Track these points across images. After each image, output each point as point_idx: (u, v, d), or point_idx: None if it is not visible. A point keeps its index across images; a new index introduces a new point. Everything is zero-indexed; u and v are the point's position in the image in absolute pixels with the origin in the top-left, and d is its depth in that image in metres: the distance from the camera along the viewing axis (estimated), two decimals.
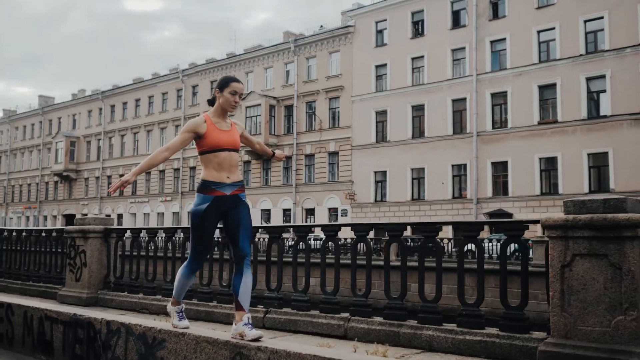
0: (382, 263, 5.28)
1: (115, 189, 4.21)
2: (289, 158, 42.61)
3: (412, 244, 24.76)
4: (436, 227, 5.01)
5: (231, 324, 4.32)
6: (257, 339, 3.97)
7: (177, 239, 7.48)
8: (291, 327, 5.46)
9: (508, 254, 4.71)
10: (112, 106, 57.78)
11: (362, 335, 4.93)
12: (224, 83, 4.41)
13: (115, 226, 8.06)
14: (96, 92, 59.60)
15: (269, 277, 6.01)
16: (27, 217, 66.68)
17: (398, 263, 5.17)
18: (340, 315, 5.28)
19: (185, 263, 4.53)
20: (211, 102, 4.48)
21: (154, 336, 4.33)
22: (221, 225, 4.45)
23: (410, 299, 5.10)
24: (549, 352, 3.89)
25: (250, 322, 4.14)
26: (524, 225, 4.50)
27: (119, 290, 7.51)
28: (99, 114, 58.94)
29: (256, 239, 6.42)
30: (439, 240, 5.15)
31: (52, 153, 62.10)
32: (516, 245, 4.63)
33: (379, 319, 5.02)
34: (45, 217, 64.52)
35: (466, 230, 4.89)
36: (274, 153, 5.19)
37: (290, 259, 6.17)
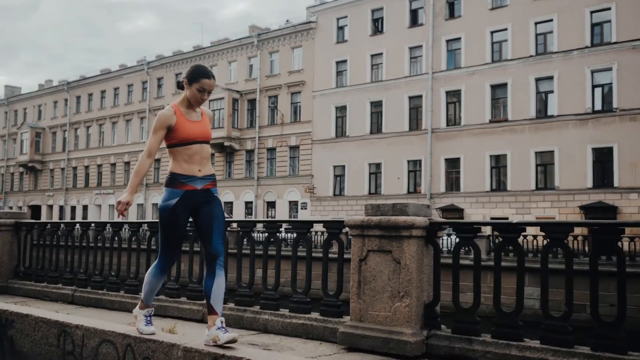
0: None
1: (120, 213, 4.12)
2: (250, 152, 43.19)
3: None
4: (277, 224, 5.66)
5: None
6: (231, 341, 3.88)
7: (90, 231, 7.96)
8: (162, 312, 6.08)
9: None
10: (78, 97, 57.69)
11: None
12: (194, 77, 4.14)
13: (26, 220, 8.59)
14: (62, 82, 59.43)
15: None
16: None
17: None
18: (202, 302, 5.91)
19: (154, 263, 4.33)
20: (179, 86, 4.25)
21: (7, 317, 4.91)
22: (191, 220, 4.25)
23: (282, 290, 5.67)
24: (346, 332, 4.56)
25: (224, 325, 3.97)
26: (341, 224, 5.14)
27: (26, 280, 8.07)
28: (64, 105, 58.80)
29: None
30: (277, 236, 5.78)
31: (18, 144, 61.83)
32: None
33: (231, 304, 5.66)
34: (11, 208, 64.15)
35: (298, 228, 5.54)
36: None
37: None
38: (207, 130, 4.25)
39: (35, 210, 61.24)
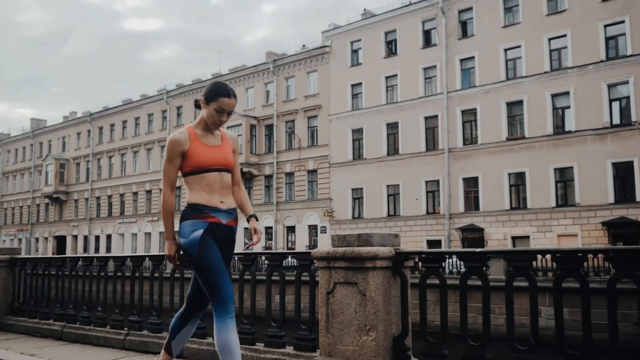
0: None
1: (176, 266, 3.75)
2: (269, 177, 43.29)
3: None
4: (252, 256, 5.58)
5: None
6: None
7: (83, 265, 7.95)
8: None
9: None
10: (100, 128, 58.58)
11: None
12: (211, 95, 3.63)
13: (21, 255, 8.63)
14: (86, 114, 60.45)
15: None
16: (20, 240, 67.30)
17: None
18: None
19: (212, 311, 3.64)
20: (197, 105, 3.76)
21: None
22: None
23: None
24: None
25: None
26: (309, 255, 5.03)
27: (20, 316, 8.07)
28: (87, 136, 59.73)
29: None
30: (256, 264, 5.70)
31: (43, 175, 62.83)
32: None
33: (209, 339, 5.58)
34: (37, 239, 65.18)
35: (272, 260, 5.45)
36: (252, 217, 3.90)
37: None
38: (227, 157, 3.72)
39: (61, 240, 62.09)
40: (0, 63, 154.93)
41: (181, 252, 3.67)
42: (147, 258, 6.59)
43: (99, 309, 6.94)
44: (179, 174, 3.70)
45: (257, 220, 3.94)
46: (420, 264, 4.40)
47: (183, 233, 3.58)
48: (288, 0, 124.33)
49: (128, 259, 6.81)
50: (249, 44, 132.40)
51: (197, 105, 3.76)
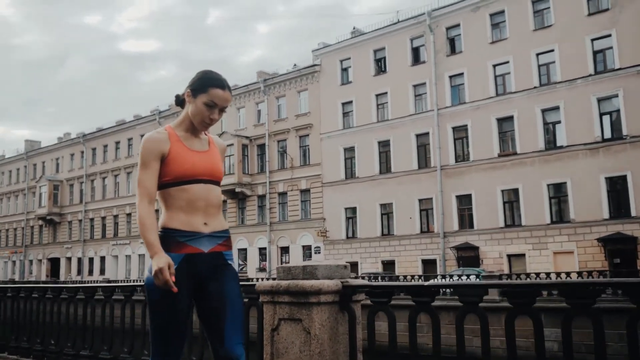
0: None
1: (170, 284, 2.67)
2: (262, 197, 42.97)
3: None
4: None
5: None
6: None
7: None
8: None
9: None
10: (94, 149, 58.33)
11: None
12: (200, 85, 2.90)
13: None
14: (80, 135, 60.26)
15: None
16: (14, 262, 66.76)
17: None
18: None
19: None
20: (179, 102, 3.03)
21: None
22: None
23: None
24: None
25: None
26: (252, 288, 4.74)
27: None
28: (81, 157, 59.47)
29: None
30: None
31: (37, 197, 62.47)
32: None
33: None
34: (31, 262, 64.63)
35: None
36: None
37: None
38: (216, 165, 2.98)
39: (55, 262, 61.56)
40: None
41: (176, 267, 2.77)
42: (117, 289, 6.27)
43: (69, 345, 6.63)
44: None
45: None
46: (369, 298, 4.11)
47: (151, 267, 2.75)
48: (283, 21, 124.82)
49: (99, 289, 6.49)
50: (244, 64, 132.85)
51: (180, 102, 3.03)
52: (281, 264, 40.56)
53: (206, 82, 2.90)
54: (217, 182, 2.99)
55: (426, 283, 3.73)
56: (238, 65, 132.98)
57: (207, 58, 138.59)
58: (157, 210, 2.84)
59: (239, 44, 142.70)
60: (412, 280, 28.80)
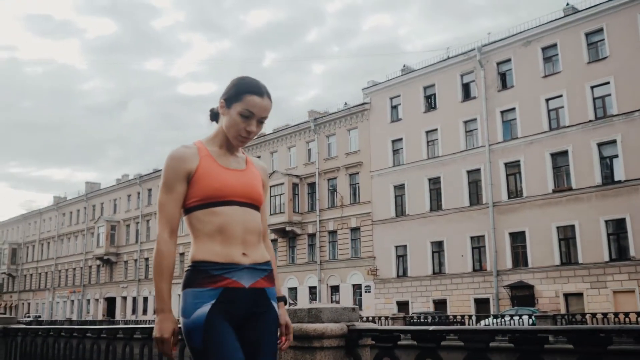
0: None
1: (169, 356, 2.39)
2: (312, 236, 42.80)
3: None
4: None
5: None
6: None
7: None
8: None
9: None
10: (149, 190, 59.64)
11: None
12: (234, 93, 2.50)
13: (15, 325, 8.37)
14: (137, 176, 61.86)
15: None
16: (72, 301, 68.33)
17: None
18: None
19: None
20: (213, 116, 2.66)
21: None
22: None
23: None
24: None
25: None
26: None
27: None
28: (137, 197, 60.91)
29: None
30: None
31: (95, 237, 64.13)
32: None
33: None
34: (89, 301, 66.02)
35: None
36: (280, 300, 2.61)
37: None
38: (254, 185, 2.52)
39: (111, 302, 62.68)
40: (64, 130, 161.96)
41: (180, 336, 2.40)
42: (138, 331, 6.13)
43: None
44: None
45: (286, 304, 2.69)
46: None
47: (184, 309, 2.37)
48: (337, 61, 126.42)
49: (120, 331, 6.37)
50: (299, 104, 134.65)
51: (214, 116, 2.65)
52: (331, 302, 40.16)
53: (241, 89, 2.50)
54: (256, 207, 2.51)
55: (431, 328, 3.45)
56: (293, 105, 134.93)
57: None
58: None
59: (295, 85, 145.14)
60: (462, 320, 27.96)
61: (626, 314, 21.96)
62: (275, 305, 2.51)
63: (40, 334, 7.89)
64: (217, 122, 2.62)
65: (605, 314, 23.58)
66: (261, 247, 2.50)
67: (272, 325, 2.48)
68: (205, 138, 2.59)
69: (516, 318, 24.65)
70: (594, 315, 23.72)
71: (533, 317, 23.55)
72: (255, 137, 2.61)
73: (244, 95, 2.47)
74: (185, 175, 2.43)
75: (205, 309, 2.32)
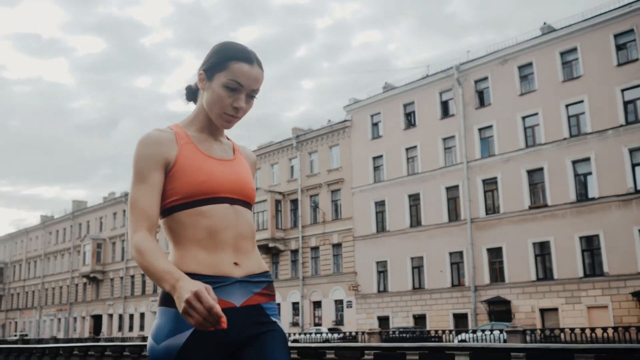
0: None
1: (214, 313, 1.60)
2: (294, 252, 42.97)
3: None
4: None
5: None
6: None
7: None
8: None
9: None
10: None
11: None
12: (217, 60, 1.99)
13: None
14: (122, 194, 61.95)
15: None
16: (59, 320, 68.01)
17: None
18: None
19: None
20: (190, 95, 2.17)
21: None
22: None
23: None
24: None
25: None
26: None
27: None
28: (123, 215, 60.94)
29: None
30: None
31: (81, 255, 63.99)
32: None
33: None
34: (75, 319, 65.76)
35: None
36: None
37: None
38: (245, 179, 2.04)
39: (97, 319, 62.44)
40: (54, 148, 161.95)
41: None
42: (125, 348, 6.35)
43: None
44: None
45: None
46: None
47: (156, 332, 1.85)
48: (328, 77, 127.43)
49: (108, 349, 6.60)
50: (289, 120, 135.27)
51: (192, 95, 2.17)
52: (314, 319, 40.32)
53: (225, 56, 1.98)
54: (248, 204, 2.02)
55: (354, 344, 3.74)
56: (283, 121, 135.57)
57: (253, 115, 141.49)
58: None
59: (285, 101, 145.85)
60: (443, 335, 28.06)
61: (604, 329, 21.89)
62: (279, 322, 2.00)
63: (24, 353, 8.08)
64: (195, 102, 2.14)
65: (583, 329, 23.45)
66: (256, 254, 2.01)
67: (279, 345, 1.92)
68: (182, 121, 2.09)
69: (489, 332, 24.85)
70: (572, 330, 23.53)
71: (503, 332, 23.74)
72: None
73: (229, 63, 1.96)
74: (162, 162, 1.92)
75: (181, 338, 1.81)
